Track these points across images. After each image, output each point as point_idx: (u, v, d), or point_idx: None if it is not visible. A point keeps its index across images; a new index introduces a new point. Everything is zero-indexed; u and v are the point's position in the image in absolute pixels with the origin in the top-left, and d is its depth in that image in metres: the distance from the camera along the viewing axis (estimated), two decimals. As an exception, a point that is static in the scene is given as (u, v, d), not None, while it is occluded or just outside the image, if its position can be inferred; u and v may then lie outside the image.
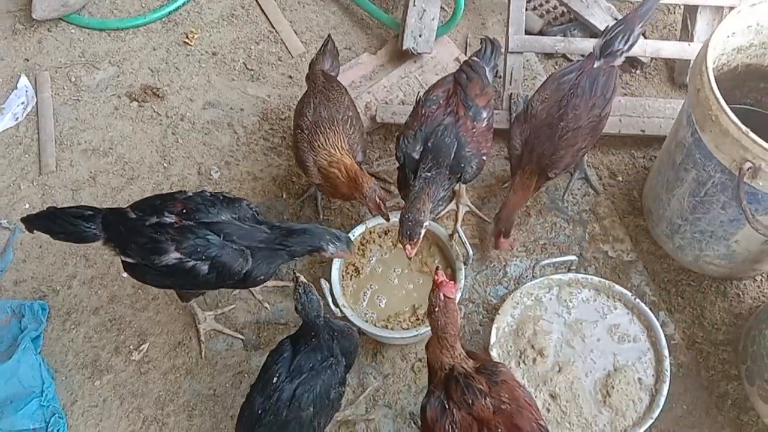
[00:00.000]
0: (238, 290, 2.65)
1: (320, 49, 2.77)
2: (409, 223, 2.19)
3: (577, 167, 2.78)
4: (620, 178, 2.90)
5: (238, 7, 3.52)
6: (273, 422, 1.86)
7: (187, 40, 3.40)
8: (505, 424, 1.69)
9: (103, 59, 3.35)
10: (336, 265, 2.41)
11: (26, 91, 3.19)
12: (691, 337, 2.52)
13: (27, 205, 2.91)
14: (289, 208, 2.86)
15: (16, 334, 2.52)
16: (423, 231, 2.21)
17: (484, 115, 2.38)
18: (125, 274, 2.71)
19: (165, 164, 3.04)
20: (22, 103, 3.16)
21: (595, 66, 2.42)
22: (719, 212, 2.28)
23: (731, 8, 2.89)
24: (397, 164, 2.43)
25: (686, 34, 3.04)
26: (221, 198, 2.13)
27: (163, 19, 3.47)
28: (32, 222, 2.18)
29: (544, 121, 2.41)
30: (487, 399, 1.73)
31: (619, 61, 2.47)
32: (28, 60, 3.32)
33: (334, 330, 2.01)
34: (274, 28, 3.45)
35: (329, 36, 2.83)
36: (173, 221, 2.04)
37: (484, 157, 2.39)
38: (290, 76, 3.29)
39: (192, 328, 2.60)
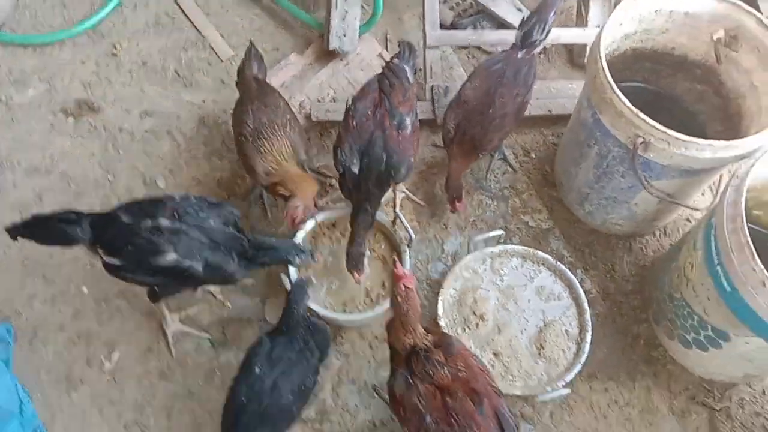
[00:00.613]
0: (200, 293, 2.73)
1: (245, 56, 2.82)
2: (354, 256, 2.46)
3: (497, 149, 3.00)
4: (533, 155, 3.15)
5: (162, 15, 3.50)
6: (256, 409, 2.00)
7: (115, 51, 3.37)
8: (464, 388, 1.89)
9: (31, 76, 3.28)
10: (292, 261, 2.54)
11: (-45, 115, 3.09)
12: (605, 289, 2.81)
13: (-25, 231, 2.86)
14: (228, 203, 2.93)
15: (-15, 359, 2.51)
16: (366, 259, 2.49)
17: (408, 122, 2.50)
18: (85, 289, 2.78)
19: (110, 177, 3.04)
20: (-47, 128, 3.06)
21: (518, 56, 2.61)
22: (620, 180, 2.55)
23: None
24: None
25: (581, 20, 3.29)
26: (207, 203, 2.24)
27: (89, 32, 3.41)
28: (16, 230, 2.22)
29: (475, 108, 2.59)
30: (445, 368, 1.93)
31: (538, 49, 2.67)
32: (-48, 82, 3.20)
33: (310, 326, 2.16)
34: (201, 33, 3.46)
35: (251, 42, 2.89)
36: (168, 224, 2.12)
37: (412, 159, 2.52)
38: (222, 80, 3.32)
39: (159, 333, 2.67)
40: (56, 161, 3.06)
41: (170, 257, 2.12)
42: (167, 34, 3.45)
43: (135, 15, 3.50)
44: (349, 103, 2.58)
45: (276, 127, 2.56)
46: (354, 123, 2.47)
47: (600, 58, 2.35)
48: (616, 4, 3.31)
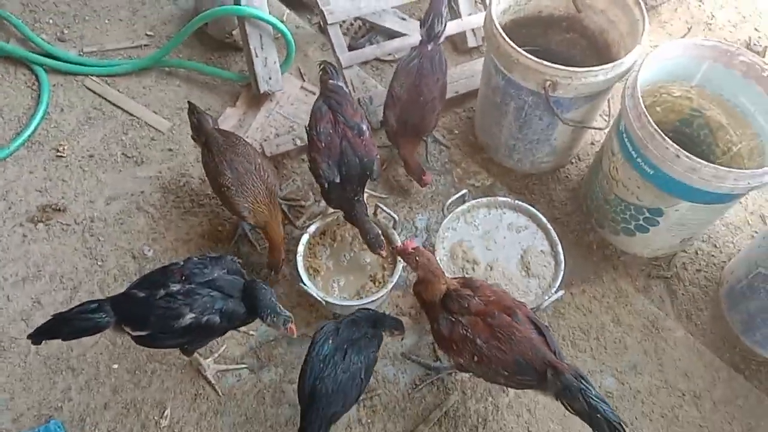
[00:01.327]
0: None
1: (194, 113, 2.87)
2: (372, 239, 2.65)
3: (435, 128, 3.28)
4: (456, 131, 3.49)
5: (90, 110, 3.51)
6: (331, 375, 2.12)
7: (59, 153, 3.33)
8: (498, 307, 2.14)
9: (-15, 199, 3.18)
10: (303, 271, 2.67)
11: (-75, 254, 2.94)
12: (552, 216, 3.17)
13: (-14, 352, 2.74)
14: (227, 254, 3.01)
15: (47, 459, 2.43)
16: (381, 235, 2.69)
17: (364, 127, 2.73)
18: (115, 366, 2.75)
19: (99, 263, 3.01)
20: (-72, 266, 2.91)
21: (429, 49, 2.91)
22: (539, 122, 2.93)
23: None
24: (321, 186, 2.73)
25: (453, 14, 3.68)
26: (208, 259, 2.30)
27: (26, 144, 3.36)
28: (40, 334, 2.18)
29: (408, 100, 2.87)
30: (476, 298, 2.16)
31: (441, 39, 2.98)
32: None
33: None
34: (133, 116, 3.49)
35: (189, 102, 2.97)
36: (179, 288, 2.18)
37: (377, 156, 2.75)
38: (170, 149, 3.38)
39: (200, 379, 2.70)
40: (41, 266, 2.99)
41: (189, 317, 2.18)
42: (102, 124, 3.46)
43: (64, 117, 3.49)
44: (309, 130, 2.75)
45: (251, 174, 2.69)
46: (322, 144, 2.66)
47: (498, 31, 2.72)
48: (478, -6, 3.76)
